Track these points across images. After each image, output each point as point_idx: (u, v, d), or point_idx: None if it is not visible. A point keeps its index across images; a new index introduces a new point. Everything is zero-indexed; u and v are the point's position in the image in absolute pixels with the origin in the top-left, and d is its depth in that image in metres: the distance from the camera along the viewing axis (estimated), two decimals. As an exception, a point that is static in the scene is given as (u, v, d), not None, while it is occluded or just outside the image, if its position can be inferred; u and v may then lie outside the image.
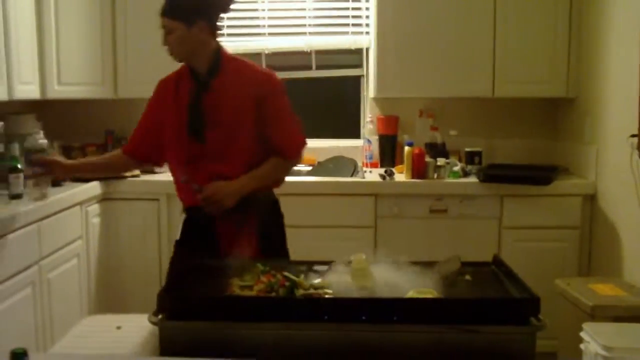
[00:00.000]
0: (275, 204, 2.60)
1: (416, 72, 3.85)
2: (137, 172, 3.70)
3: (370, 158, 4.15)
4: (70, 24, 3.66)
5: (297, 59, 4.31)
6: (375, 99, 4.21)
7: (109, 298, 3.65)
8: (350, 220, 3.63)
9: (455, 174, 3.73)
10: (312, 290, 1.83)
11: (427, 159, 3.71)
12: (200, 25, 2.38)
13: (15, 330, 2.71)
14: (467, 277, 2.02)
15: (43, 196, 2.92)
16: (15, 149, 2.99)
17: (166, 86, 2.53)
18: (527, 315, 1.66)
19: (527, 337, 1.64)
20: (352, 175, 3.84)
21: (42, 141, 3.01)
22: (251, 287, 1.84)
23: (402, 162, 3.81)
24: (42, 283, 2.95)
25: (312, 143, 4.16)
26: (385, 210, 3.63)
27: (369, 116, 4.25)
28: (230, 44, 4.13)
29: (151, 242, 3.69)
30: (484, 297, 1.83)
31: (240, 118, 2.42)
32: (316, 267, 2.08)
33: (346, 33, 4.24)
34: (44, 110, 3.81)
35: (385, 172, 3.71)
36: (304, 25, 4.24)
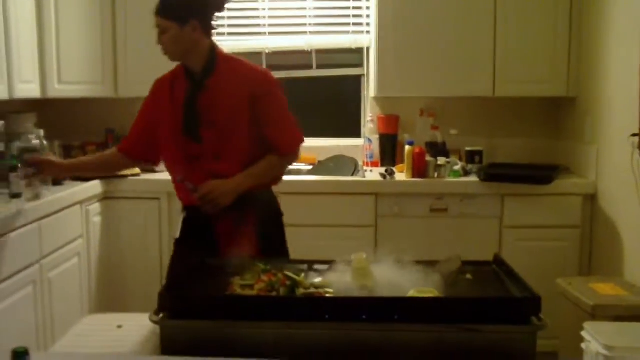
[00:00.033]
0: (273, 202, 2.60)
1: (417, 72, 3.85)
2: (137, 171, 3.71)
3: (371, 157, 4.15)
4: (70, 22, 3.66)
5: (298, 58, 4.31)
6: (376, 98, 4.21)
7: (109, 297, 3.65)
8: (351, 220, 3.63)
9: (455, 173, 3.73)
10: (313, 290, 1.83)
11: (428, 158, 3.70)
12: (193, 24, 2.38)
13: (16, 329, 2.71)
14: (468, 276, 2.02)
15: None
16: (16, 148, 2.99)
17: (162, 85, 2.53)
18: (528, 314, 1.66)
19: (528, 337, 1.64)
20: (352, 175, 3.84)
21: (36, 142, 2.99)
22: (252, 287, 1.84)
23: (402, 162, 3.81)
24: (42, 282, 2.96)
25: (312, 142, 4.20)
26: (386, 209, 3.63)
27: (369, 115, 4.25)
28: (231, 43, 4.14)
29: (152, 241, 3.69)
30: (484, 297, 1.82)
31: (235, 117, 2.42)
32: (317, 267, 2.08)
33: (347, 32, 4.24)
34: (45, 109, 3.81)
35: (386, 171, 3.71)
36: (305, 25, 4.24)
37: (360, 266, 1.91)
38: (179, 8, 2.38)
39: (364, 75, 4.34)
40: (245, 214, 2.41)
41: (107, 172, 3.34)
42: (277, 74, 4.02)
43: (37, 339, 2.90)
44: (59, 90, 3.62)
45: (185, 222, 2.55)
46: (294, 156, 2.59)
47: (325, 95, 4.53)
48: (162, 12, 2.38)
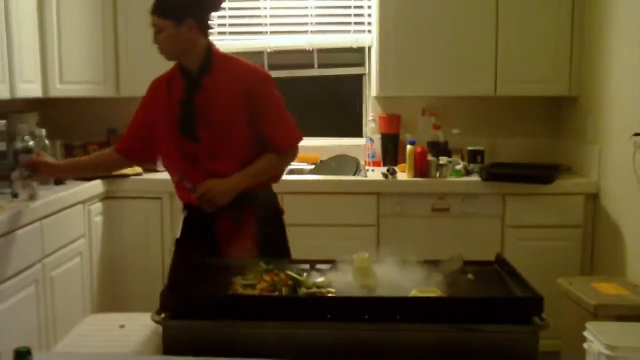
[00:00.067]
0: (273, 200, 2.60)
1: (418, 71, 3.85)
2: (139, 170, 3.71)
3: (373, 157, 4.15)
4: (72, 22, 3.66)
5: (299, 57, 4.31)
6: (378, 98, 4.21)
7: (111, 296, 3.65)
8: (353, 219, 3.62)
9: (457, 173, 3.73)
10: (315, 289, 1.83)
11: (430, 157, 3.70)
12: (189, 23, 2.37)
13: (18, 329, 2.71)
14: (470, 276, 2.02)
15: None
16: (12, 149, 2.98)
17: (159, 85, 2.53)
18: (530, 314, 1.66)
19: (530, 337, 1.64)
20: (354, 174, 3.83)
21: (31, 143, 2.98)
22: (254, 286, 1.85)
23: (404, 161, 3.81)
24: (45, 281, 2.96)
25: (314, 141, 4.21)
26: (388, 208, 3.63)
27: (371, 115, 4.25)
28: (233, 43, 4.14)
29: (154, 240, 3.69)
30: (486, 296, 1.82)
31: (232, 116, 2.41)
32: (319, 266, 2.08)
33: (348, 31, 4.24)
34: (46, 108, 3.81)
35: (388, 170, 3.71)
36: (306, 24, 4.24)
37: (362, 266, 1.91)
38: (175, 7, 2.37)
39: (365, 74, 4.34)
40: (245, 213, 2.41)
41: (104, 172, 3.31)
42: (279, 73, 4.07)
43: (39, 338, 2.90)
44: (60, 89, 3.62)
45: (185, 221, 2.55)
46: (292, 154, 2.58)
47: (326, 95, 4.53)
48: (158, 10, 2.38)
